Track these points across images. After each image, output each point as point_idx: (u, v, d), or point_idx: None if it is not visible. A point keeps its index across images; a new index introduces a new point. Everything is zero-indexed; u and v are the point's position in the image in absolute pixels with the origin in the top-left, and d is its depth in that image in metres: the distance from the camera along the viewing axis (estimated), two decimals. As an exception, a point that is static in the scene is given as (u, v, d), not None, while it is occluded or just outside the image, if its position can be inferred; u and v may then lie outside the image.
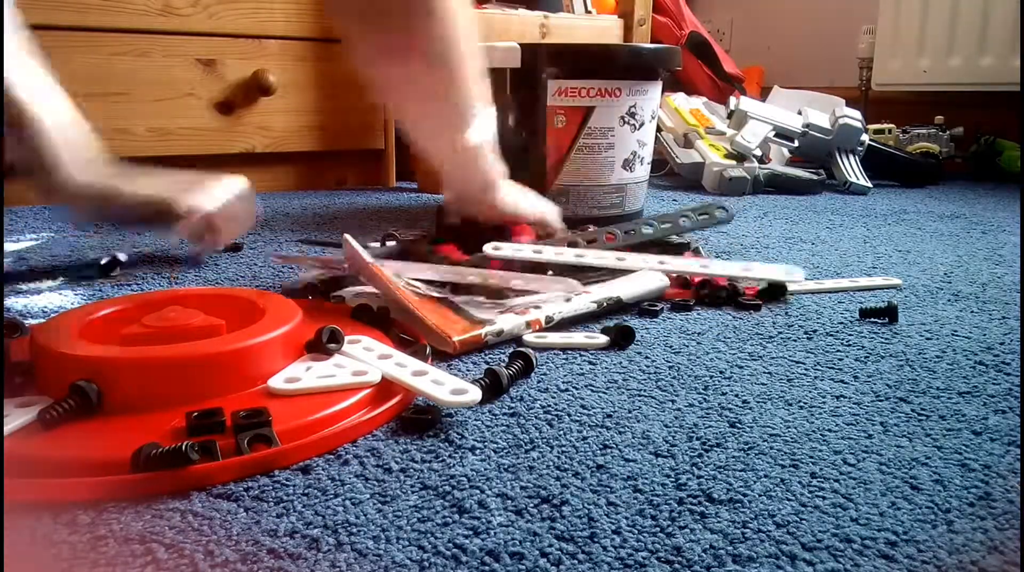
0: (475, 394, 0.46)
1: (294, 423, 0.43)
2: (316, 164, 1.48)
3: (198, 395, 0.45)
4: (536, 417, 0.47)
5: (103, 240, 0.99)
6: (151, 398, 0.44)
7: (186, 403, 0.43)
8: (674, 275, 0.75)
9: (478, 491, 0.39)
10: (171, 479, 0.38)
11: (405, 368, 0.50)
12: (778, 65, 2.21)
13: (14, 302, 0.71)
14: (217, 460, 0.40)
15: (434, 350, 0.57)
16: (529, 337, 0.61)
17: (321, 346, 0.51)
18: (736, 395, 0.51)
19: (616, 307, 0.68)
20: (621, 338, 0.61)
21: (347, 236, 0.66)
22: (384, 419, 0.47)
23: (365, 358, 0.51)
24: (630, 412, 0.48)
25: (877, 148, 1.58)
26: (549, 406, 0.49)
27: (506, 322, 0.61)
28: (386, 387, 0.48)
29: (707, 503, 0.38)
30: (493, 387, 0.50)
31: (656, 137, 1.19)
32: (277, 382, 0.47)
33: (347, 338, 0.53)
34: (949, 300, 0.74)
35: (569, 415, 0.48)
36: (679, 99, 1.68)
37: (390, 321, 0.60)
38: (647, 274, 0.72)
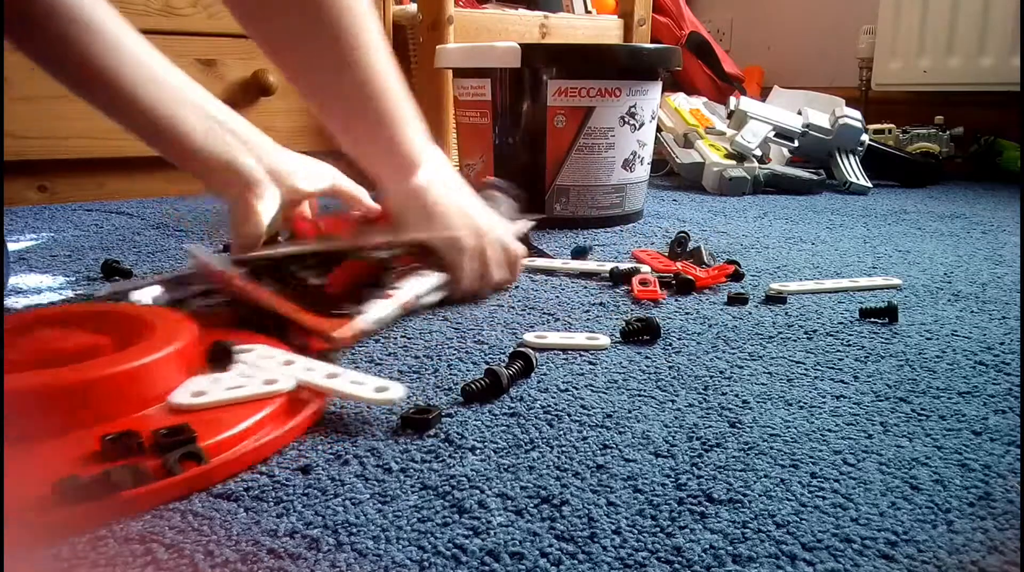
0: (398, 390, 0.46)
1: (216, 438, 0.41)
2: (316, 164, 1.48)
3: (91, 419, 0.41)
4: (536, 417, 0.47)
5: (103, 241, 0.99)
6: (42, 427, 0.40)
7: (82, 428, 0.40)
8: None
9: (478, 491, 0.39)
10: (97, 511, 0.36)
11: (315, 371, 0.48)
12: (778, 65, 2.21)
13: (14, 302, 0.71)
14: (149, 483, 0.37)
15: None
16: (529, 337, 0.61)
17: (220, 358, 0.49)
18: (736, 395, 0.51)
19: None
20: (646, 332, 0.61)
21: (192, 247, 0.63)
22: (308, 424, 0.45)
23: (268, 366, 0.49)
24: (630, 412, 0.48)
25: (877, 148, 1.58)
26: (549, 406, 0.49)
27: (379, 309, 0.61)
28: (299, 393, 0.47)
29: (707, 503, 0.38)
30: (493, 387, 0.50)
31: (656, 137, 1.19)
32: (182, 397, 0.44)
33: (241, 347, 0.51)
34: (949, 300, 0.74)
35: (569, 415, 0.48)
36: (679, 99, 1.68)
37: (285, 326, 0.58)
38: None
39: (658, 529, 0.36)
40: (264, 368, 0.49)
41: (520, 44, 1.03)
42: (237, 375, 0.48)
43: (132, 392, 0.44)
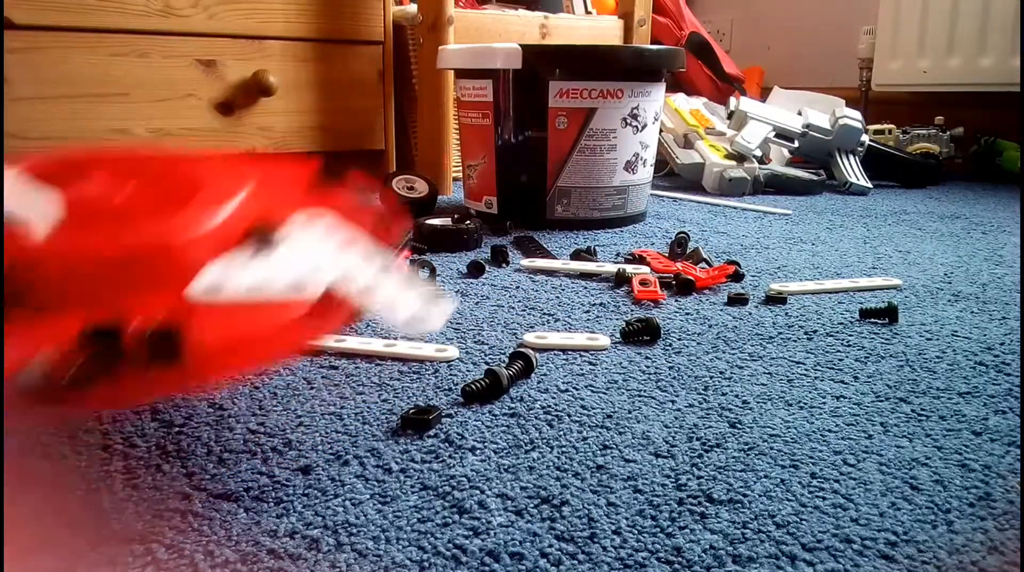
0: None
1: (213, 342, 0.37)
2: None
3: (108, 297, 0.37)
4: (536, 417, 0.47)
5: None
6: (55, 298, 0.37)
7: (93, 305, 0.36)
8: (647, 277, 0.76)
9: (478, 491, 0.39)
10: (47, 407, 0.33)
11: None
12: (778, 65, 2.21)
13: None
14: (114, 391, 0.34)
15: None
16: (529, 337, 0.61)
17: (261, 239, 0.43)
18: (736, 395, 0.51)
19: None
20: (646, 333, 0.61)
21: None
22: (313, 337, 0.41)
23: (308, 260, 0.44)
24: (630, 412, 0.48)
25: (877, 148, 1.58)
26: (549, 406, 0.49)
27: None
28: (326, 303, 0.42)
29: (707, 503, 0.38)
30: (493, 387, 0.50)
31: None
32: (197, 289, 0.40)
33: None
34: (949, 300, 0.74)
35: (569, 415, 0.48)
36: (679, 100, 1.68)
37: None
38: None
39: (658, 529, 0.36)
40: (302, 262, 0.43)
41: (522, 45, 1.03)
42: (271, 267, 0.42)
43: (144, 275, 0.39)
